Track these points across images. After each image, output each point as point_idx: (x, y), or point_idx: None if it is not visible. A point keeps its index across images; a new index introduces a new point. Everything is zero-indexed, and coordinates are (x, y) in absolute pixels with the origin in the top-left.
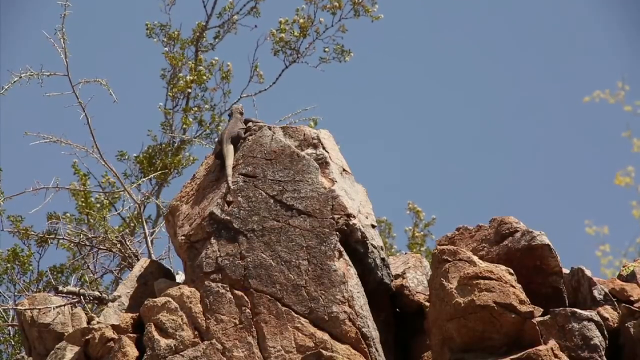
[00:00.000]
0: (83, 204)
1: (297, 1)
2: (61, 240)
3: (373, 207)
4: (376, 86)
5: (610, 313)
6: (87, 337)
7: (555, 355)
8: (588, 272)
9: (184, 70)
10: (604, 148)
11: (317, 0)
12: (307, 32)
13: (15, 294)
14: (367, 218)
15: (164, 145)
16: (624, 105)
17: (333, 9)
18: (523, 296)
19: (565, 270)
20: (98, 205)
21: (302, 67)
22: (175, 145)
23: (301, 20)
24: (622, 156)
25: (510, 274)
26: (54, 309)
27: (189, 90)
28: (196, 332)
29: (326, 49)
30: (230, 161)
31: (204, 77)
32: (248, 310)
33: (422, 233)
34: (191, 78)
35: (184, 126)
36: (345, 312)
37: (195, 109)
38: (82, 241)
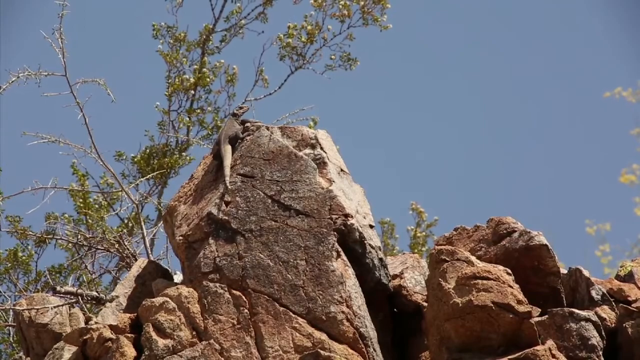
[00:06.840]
0: (81, 205)
1: (305, 8)
2: (59, 241)
3: (377, 208)
4: (380, 91)
5: (608, 313)
6: (85, 337)
7: (553, 356)
8: (586, 272)
9: (187, 72)
10: (610, 146)
11: (326, 7)
12: (314, 38)
13: (16, 294)
14: (365, 218)
15: (161, 145)
16: None
17: (342, 17)
18: (521, 296)
19: (564, 270)
20: (96, 205)
21: (308, 73)
22: (178, 146)
23: (309, 27)
24: (628, 154)
25: (508, 274)
26: (51, 309)
27: (192, 92)
28: (194, 332)
29: (333, 57)
30: (228, 161)
31: (208, 80)
32: (246, 310)
33: (424, 233)
34: (194, 80)
35: (182, 126)
36: (343, 312)
37: (199, 110)
38: (80, 241)
